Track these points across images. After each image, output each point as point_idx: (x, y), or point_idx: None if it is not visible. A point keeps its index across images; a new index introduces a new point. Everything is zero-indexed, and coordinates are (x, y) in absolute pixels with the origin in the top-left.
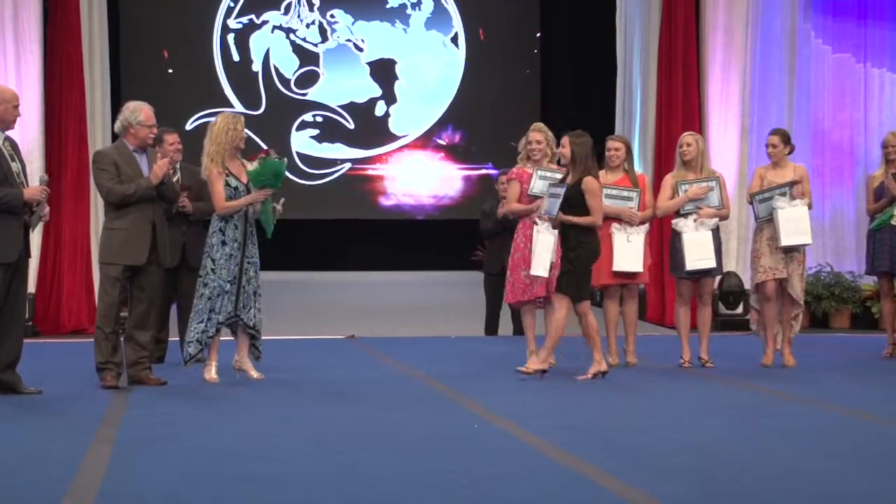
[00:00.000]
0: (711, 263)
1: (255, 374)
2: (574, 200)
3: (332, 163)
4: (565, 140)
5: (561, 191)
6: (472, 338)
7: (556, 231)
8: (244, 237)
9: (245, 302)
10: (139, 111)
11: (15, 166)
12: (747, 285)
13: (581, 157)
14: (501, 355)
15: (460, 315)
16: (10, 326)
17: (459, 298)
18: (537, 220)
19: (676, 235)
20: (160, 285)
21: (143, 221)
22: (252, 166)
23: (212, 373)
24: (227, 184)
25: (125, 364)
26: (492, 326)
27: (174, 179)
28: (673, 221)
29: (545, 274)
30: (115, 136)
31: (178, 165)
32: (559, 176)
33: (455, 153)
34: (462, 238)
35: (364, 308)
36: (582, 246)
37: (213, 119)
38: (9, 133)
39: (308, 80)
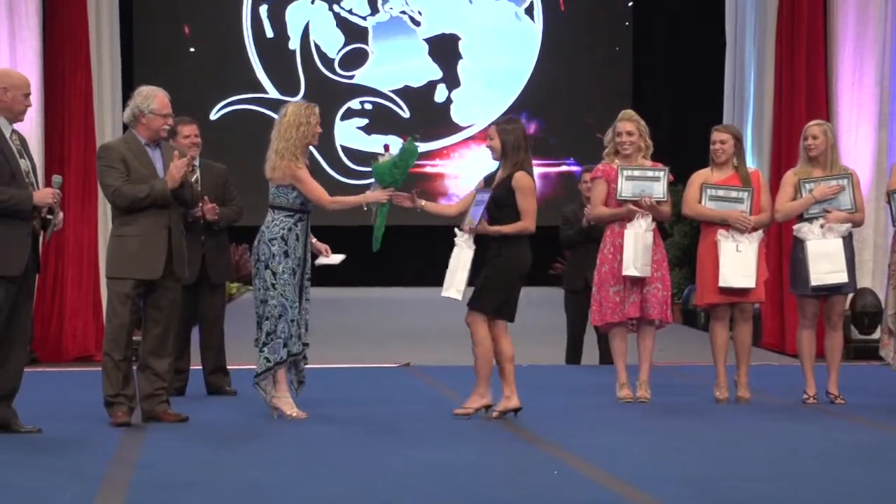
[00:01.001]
0: (842, 278)
1: (295, 411)
2: (502, 200)
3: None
4: (492, 130)
5: (486, 196)
6: (550, 367)
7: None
8: (304, 251)
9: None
10: (152, 98)
11: (24, 164)
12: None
13: (512, 147)
14: (586, 388)
15: (536, 340)
16: (10, 350)
17: (535, 320)
18: (457, 231)
19: (799, 244)
20: (179, 303)
21: (158, 227)
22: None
23: (293, 408)
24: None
25: (139, 397)
26: (574, 353)
27: (192, 179)
28: (795, 227)
29: (458, 296)
30: (126, 128)
31: (197, 162)
32: (652, 174)
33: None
34: (538, 248)
35: (421, 330)
36: (503, 254)
37: (244, 107)
38: (16, 126)
39: (355, 60)
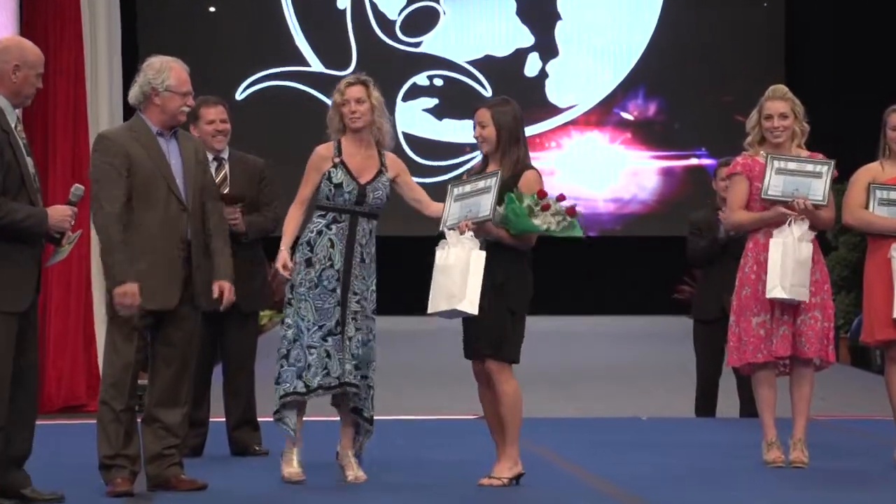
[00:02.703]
0: None
1: (352, 473)
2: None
3: (458, 149)
4: (483, 114)
5: (490, 183)
6: (675, 420)
7: (477, 243)
8: (347, 258)
9: (354, 365)
10: (168, 72)
11: (31, 164)
12: None
13: (510, 136)
14: (722, 447)
15: (656, 383)
16: (22, 402)
17: (655, 358)
18: (446, 230)
19: None
20: (197, 339)
21: (172, 243)
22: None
23: (292, 466)
24: (329, 178)
25: (144, 459)
26: (707, 402)
27: (218, 178)
28: None
29: (475, 310)
30: (128, 114)
31: (224, 155)
32: (812, 168)
33: (648, 133)
34: (659, 265)
35: None
36: (515, 279)
37: (279, 84)
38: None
39: (422, 22)
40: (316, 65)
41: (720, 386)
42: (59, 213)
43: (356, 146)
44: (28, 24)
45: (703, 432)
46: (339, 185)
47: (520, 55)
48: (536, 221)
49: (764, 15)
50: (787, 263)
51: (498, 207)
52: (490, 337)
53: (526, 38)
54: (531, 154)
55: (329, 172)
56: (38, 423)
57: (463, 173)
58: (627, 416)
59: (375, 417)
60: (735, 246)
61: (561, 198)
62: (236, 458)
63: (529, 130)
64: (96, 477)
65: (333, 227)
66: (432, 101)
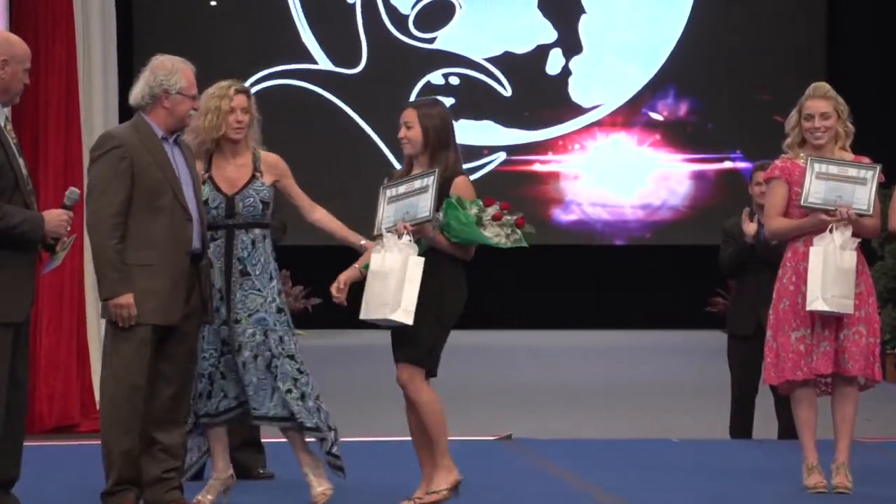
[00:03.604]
0: None
1: (316, 489)
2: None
3: (475, 152)
4: (410, 115)
5: (427, 182)
6: (709, 442)
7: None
8: (227, 275)
9: (256, 388)
10: (179, 74)
11: (23, 165)
12: None
13: (438, 139)
14: (759, 471)
15: (688, 403)
16: (9, 421)
17: (686, 376)
18: (385, 231)
19: None
20: (197, 354)
21: (178, 254)
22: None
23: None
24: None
25: (143, 482)
26: (743, 423)
27: None
28: None
29: (409, 320)
30: (125, 113)
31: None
32: (855, 173)
33: (679, 135)
34: (690, 276)
35: (527, 389)
36: (450, 289)
37: (284, 83)
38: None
39: (437, 16)
40: (324, 62)
41: (757, 405)
42: (55, 218)
43: (226, 157)
44: (17, 17)
45: (738, 455)
46: (206, 202)
47: (541, 52)
48: (487, 233)
49: (804, 7)
50: (828, 273)
51: (436, 213)
52: (411, 344)
53: (548, 34)
54: (555, 156)
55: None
56: (27, 444)
57: (385, 178)
58: (657, 438)
59: (391, 439)
60: (771, 255)
61: (505, 206)
62: (240, 482)
63: (552, 131)
64: (92, 501)
65: (211, 245)
66: (448, 101)
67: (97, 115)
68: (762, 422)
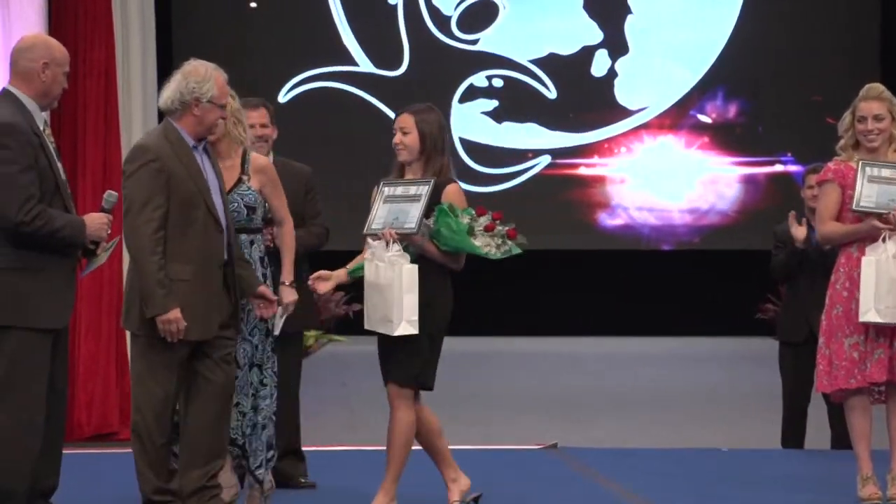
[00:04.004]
0: None
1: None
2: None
3: (519, 155)
4: (406, 119)
5: (421, 191)
6: (760, 452)
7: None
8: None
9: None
10: (211, 81)
11: (62, 170)
12: None
13: (434, 145)
14: (811, 481)
15: (737, 411)
16: (49, 429)
17: (736, 383)
18: (370, 241)
19: None
20: (234, 367)
21: (211, 266)
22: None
23: None
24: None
25: (183, 494)
26: (795, 432)
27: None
28: None
29: (415, 330)
30: (164, 118)
31: (269, 159)
32: None
33: (728, 137)
34: (740, 281)
35: (572, 397)
36: (439, 300)
37: (325, 85)
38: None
39: (480, 17)
40: (365, 64)
41: (809, 414)
42: (95, 221)
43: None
44: (56, 20)
45: (790, 465)
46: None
47: (586, 53)
48: (477, 242)
49: (856, 6)
50: (881, 284)
51: (426, 220)
52: (401, 364)
53: (593, 35)
54: (601, 160)
55: None
56: (66, 452)
57: (384, 181)
58: (706, 447)
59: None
60: (824, 260)
61: (498, 216)
62: (281, 490)
63: (597, 134)
64: None
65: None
66: (491, 104)
67: (136, 119)
68: (815, 431)
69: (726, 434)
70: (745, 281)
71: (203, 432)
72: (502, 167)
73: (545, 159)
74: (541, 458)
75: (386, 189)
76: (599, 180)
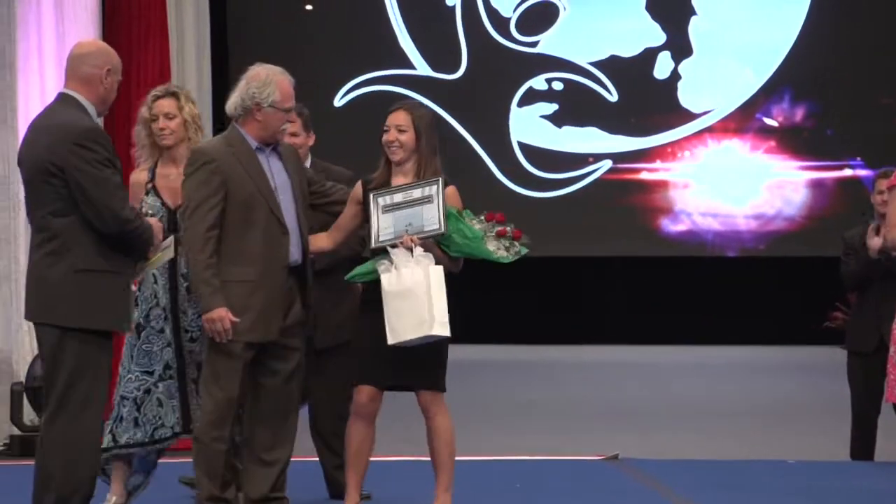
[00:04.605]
0: None
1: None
2: None
3: (580, 160)
4: (402, 117)
5: (431, 192)
6: (828, 464)
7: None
8: (172, 293)
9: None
10: (273, 85)
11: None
12: None
13: (429, 144)
14: (882, 495)
15: (805, 422)
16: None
17: (803, 394)
18: (388, 246)
19: None
20: (302, 373)
21: (273, 269)
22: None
23: None
24: (141, 207)
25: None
26: (864, 443)
27: None
28: None
29: (446, 332)
30: (219, 122)
31: (307, 163)
32: None
33: (795, 141)
34: (808, 289)
35: (634, 407)
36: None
37: (381, 89)
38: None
39: (540, 19)
40: (422, 67)
41: (879, 425)
42: (154, 225)
43: (169, 165)
44: (110, 25)
45: (859, 478)
46: (151, 215)
47: (649, 55)
48: (490, 247)
49: None
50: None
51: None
52: (426, 368)
53: (656, 36)
54: (664, 164)
55: (142, 201)
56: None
57: (368, 184)
58: (771, 459)
59: (490, 458)
60: (895, 266)
61: (501, 218)
62: (336, 502)
63: (660, 138)
64: None
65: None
66: (551, 107)
67: None
68: (885, 443)
69: (793, 446)
70: (812, 289)
71: (259, 440)
72: (562, 172)
73: (606, 164)
74: (601, 469)
75: (380, 200)
76: (662, 185)
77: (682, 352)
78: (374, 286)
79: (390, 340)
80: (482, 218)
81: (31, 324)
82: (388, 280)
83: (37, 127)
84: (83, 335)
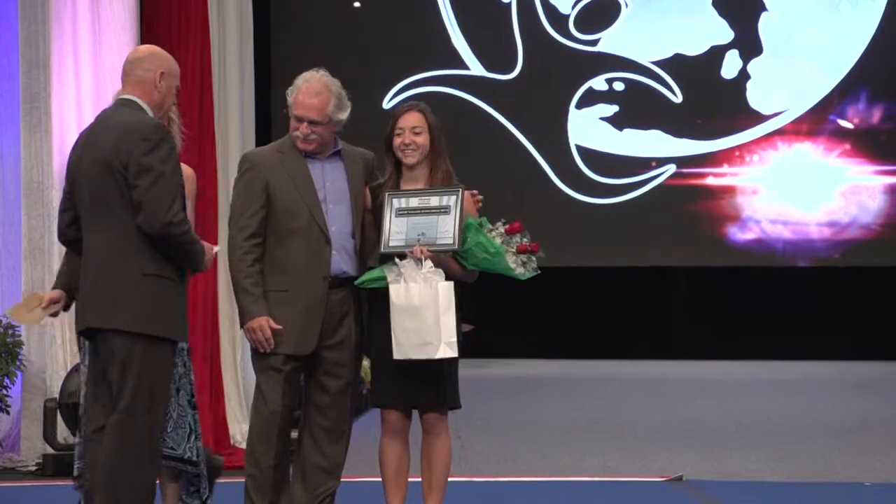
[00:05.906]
0: None
1: None
2: None
3: (642, 164)
4: (417, 118)
5: (449, 203)
6: None
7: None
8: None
9: (175, 425)
10: (293, 91)
11: None
12: None
13: (441, 146)
14: None
15: (883, 442)
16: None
17: (881, 411)
18: (398, 260)
19: None
20: (355, 386)
21: (313, 279)
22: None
23: None
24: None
25: None
26: None
27: None
28: None
29: (453, 353)
30: (261, 123)
31: None
32: None
33: (871, 144)
34: (884, 301)
35: (698, 426)
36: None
37: (433, 90)
38: None
39: (600, 17)
40: (476, 68)
41: None
42: (207, 251)
43: None
44: (149, 22)
45: None
46: None
47: (716, 54)
48: (510, 263)
49: None
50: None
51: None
52: (441, 388)
53: (723, 34)
54: (731, 168)
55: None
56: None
57: (376, 190)
58: (847, 482)
59: (550, 479)
60: None
61: (519, 228)
62: None
63: (727, 141)
64: None
65: None
66: (611, 109)
67: (233, 127)
68: None
69: (870, 467)
70: (889, 300)
71: (307, 453)
72: (623, 177)
73: (670, 168)
74: (665, 490)
75: (396, 201)
76: (729, 191)
77: (750, 367)
78: (382, 294)
79: (396, 355)
80: (502, 230)
81: (65, 337)
82: (396, 292)
83: (96, 128)
84: (153, 341)
